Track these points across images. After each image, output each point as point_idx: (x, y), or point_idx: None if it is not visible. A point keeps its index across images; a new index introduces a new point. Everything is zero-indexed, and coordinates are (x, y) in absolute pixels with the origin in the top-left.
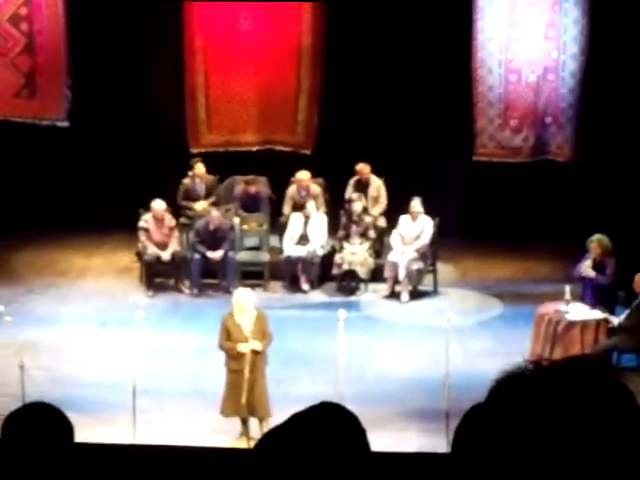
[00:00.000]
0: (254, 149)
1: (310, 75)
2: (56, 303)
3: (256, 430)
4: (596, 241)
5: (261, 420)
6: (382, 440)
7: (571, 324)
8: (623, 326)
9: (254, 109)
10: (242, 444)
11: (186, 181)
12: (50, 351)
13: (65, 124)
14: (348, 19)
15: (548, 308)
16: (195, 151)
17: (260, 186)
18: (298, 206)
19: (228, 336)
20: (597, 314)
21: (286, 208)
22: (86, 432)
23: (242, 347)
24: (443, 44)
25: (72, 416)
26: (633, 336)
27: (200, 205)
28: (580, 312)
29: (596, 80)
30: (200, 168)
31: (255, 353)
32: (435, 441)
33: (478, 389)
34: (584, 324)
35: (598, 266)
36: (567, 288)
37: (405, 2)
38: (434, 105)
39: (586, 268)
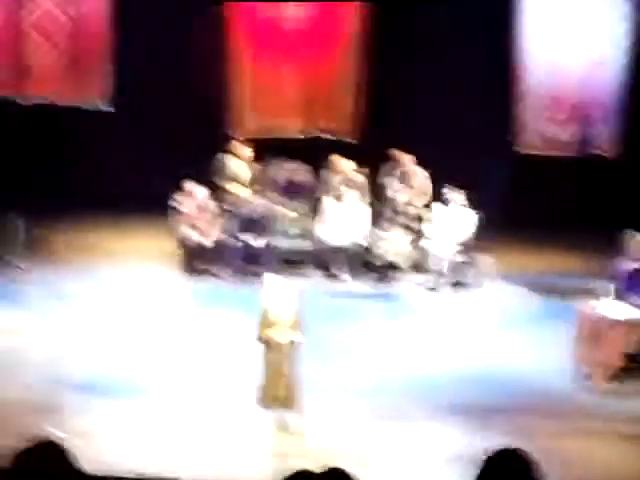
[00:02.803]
0: (300, 136)
1: (355, 65)
2: (94, 286)
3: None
4: None
5: (294, 412)
6: (408, 433)
7: (615, 323)
8: None
9: (300, 96)
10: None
11: (230, 162)
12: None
13: (108, 108)
14: None
15: (589, 306)
16: (240, 138)
17: (303, 174)
18: (341, 195)
19: (266, 326)
20: None
21: (327, 197)
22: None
23: (280, 337)
24: None
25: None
26: None
27: (243, 191)
28: (624, 311)
29: None
30: (245, 150)
31: (292, 343)
32: (467, 437)
33: (512, 386)
34: (629, 323)
35: None
36: (610, 286)
37: None
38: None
39: None
